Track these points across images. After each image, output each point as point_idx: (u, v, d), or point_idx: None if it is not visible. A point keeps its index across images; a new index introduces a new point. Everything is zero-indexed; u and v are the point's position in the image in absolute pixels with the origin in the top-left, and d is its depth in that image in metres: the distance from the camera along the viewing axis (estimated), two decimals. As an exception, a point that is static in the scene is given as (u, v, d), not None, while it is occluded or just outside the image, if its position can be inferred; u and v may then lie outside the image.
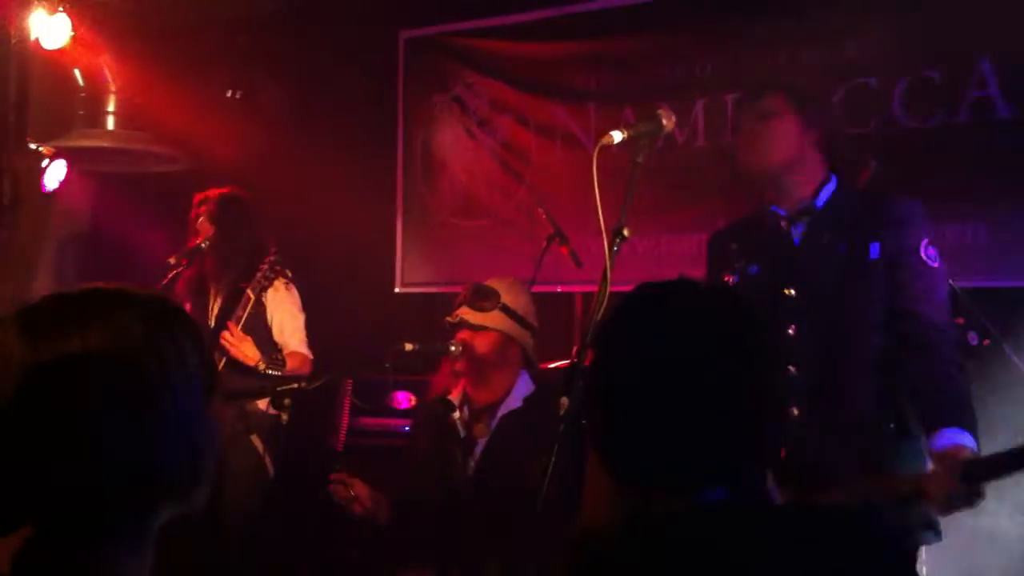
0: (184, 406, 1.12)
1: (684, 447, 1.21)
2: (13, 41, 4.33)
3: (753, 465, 1.25)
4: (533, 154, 4.65)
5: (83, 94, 4.62)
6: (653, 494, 1.24)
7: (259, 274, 3.67)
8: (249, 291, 3.66)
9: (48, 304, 1.12)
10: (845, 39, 3.97)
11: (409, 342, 2.89)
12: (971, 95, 3.75)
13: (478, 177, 4.80)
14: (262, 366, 3.63)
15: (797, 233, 2.45)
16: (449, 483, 2.88)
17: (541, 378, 2.97)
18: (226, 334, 3.63)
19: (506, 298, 2.89)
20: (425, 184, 4.96)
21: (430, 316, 4.37)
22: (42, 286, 4.46)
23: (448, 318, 2.93)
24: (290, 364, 3.75)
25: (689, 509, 1.20)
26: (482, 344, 2.86)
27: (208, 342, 3.55)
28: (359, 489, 2.91)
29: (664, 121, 2.27)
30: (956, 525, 2.55)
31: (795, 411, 2.30)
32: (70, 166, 4.34)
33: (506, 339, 2.88)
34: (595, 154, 2.14)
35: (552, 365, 3.47)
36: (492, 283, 2.94)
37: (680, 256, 3.98)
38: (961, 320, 2.86)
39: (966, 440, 2.16)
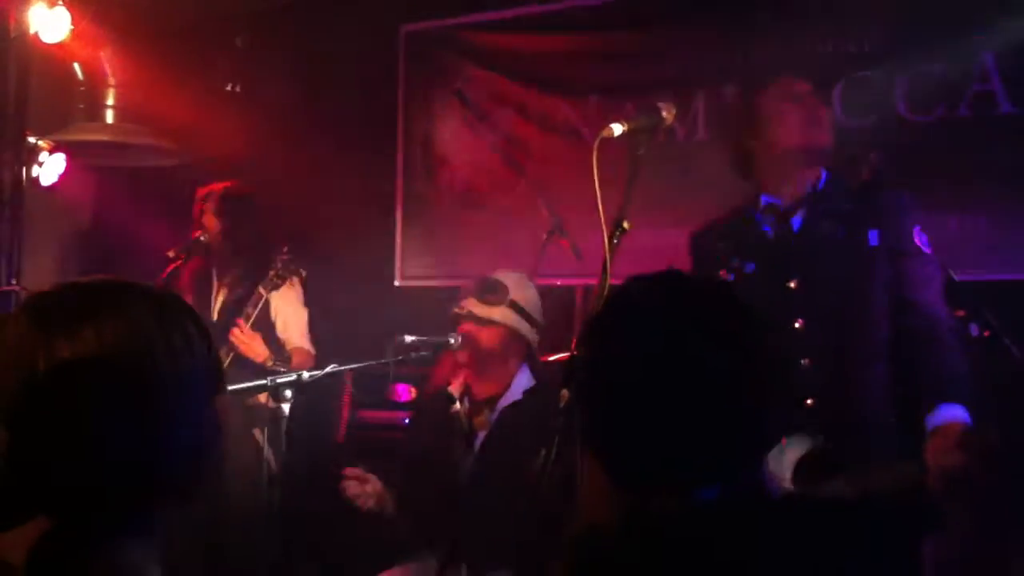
0: (191, 402, 1.12)
1: (680, 445, 1.20)
2: (13, 35, 4.33)
3: (750, 461, 1.24)
4: (534, 147, 4.65)
5: (83, 88, 4.62)
6: (649, 492, 1.23)
7: (272, 272, 3.64)
8: (261, 289, 3.65)
9: (60, 294, 1.11)
10: (847, 32, 3.96)
11: (410, 335, 2.89)
12: (973, 89, 3.74)
13: (479, 170, 4.80)
14: (270, 363, 3.62)
15: (796, 222, 2.45)
16: (449, 475, 2.88)
17: (542, 372, 2.98)
18: (236, 331, 3.62)
19: (515, 294, 2.89)
20: (426, 177, 4.96)
21: (431, 309, 4.37)
22: (43, 280, 4.46)
23: (455, 309, 2.92)
24: (295, 360, 3.75)
25: (685, 508, 1.19)
26: (487, 338, 2.86)
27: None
28: (374, 486, 2.91)
29: (664, 114, 2.27)
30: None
31: (809, 402, 2.30)
32: (70, 160, 4.33)
33: (511, 334, 2.88)
34: (595, 147, 2.14)
35: (552, 358, 3.46)
36: (501, 277, 2.94)
37: (681, 249, 3.97)
38: (962, 312, 2.86)
39: (961, 414, 2.16)
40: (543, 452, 2.09)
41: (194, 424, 1.12)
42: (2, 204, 4.41)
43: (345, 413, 4.25)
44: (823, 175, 2.48)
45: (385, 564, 3.04)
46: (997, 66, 3.69)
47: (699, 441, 1.20)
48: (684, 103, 4.13)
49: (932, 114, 3.81)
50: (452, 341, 2.87)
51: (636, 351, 1.22)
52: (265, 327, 3.76)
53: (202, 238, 3.87)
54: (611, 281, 2.06)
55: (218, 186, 3.92)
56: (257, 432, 3.71)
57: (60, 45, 4.27)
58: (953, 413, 2.17)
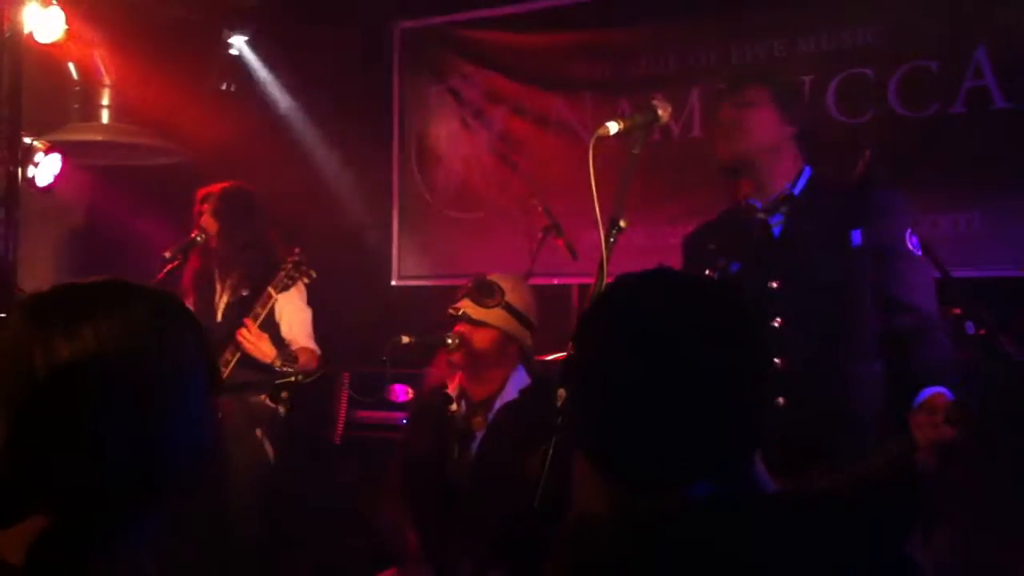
0: (187, 401, 1.12)
1: (673, 442, 1.19)
2: (7, 34, 4.31)
3: (743, 458, 1.24)
4: (529, 145, 4.65)
5: (77, 88, 4.61)
6: (642, 489, 1.23)
7: (282, 273, 3.64)
8: (271, 289, 3.64)
9: (59, 294, 1.12)
10: (842, 29, 3.96)
11: (406, 335, 2.88)
12: (967, 85, 3.75)
13: (474, 168, 4.80)
14: (278, 363, 3.62)
15: (776, 223, 2.46)
16: (446, 475, 2.88)
17: (538, 371, 2.98)
18: (244, 331, 3.60)
19: (510, 296, 2.89)
20: (421, 176, 4.96)
21: (426, 309, 4.37)
22: (39, 281, 4.45)
23: (450, 309, 2.92)
24: (301, 359, 3.74)
25: (678, 505, 1.19)
26: (481, 340, 2.86)
27: (216, 337, 3.59)
28: None
29: (660, 111, 2.26)
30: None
31: (781, 401, 2.30)
32: (65, 160, 4.32)
33: (506, 337, 2.87)
34: (591, 145, 2.14)
35: (549, 357, 3.47)
36: (497, 279, 2.93)
37: (677, 247, 3.98)
38: (958, 310, 2.87)
39: (943, 390, 2.18)
40: (541, 450, 2.10)
41: (191, 423, 1.12)
42: (-2, 204, 4.40)
43: (342, 413, 4.25)
44: (805, 172, 2.49)
45: (382, 565, 3.04)
46: (991, 62, 3.70)
47: (692, 437, 1.19)
48: (680, 101, 4.13)
49: (927, 110, 3.82)
50: (449, 341, 2.87)
51: (628, 348, 1.22)
52: (270, 327, 3.75)
53: (199, 238, 3.86)
54: (607, 280, 2.06)
55: (217, 187, 3.91)
56: (259, 431, 3.71)
57: (55, 45, 4.26)
58: (935, 390, 2.19)
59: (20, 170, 4.31)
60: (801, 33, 4.04)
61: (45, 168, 4.26)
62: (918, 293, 2.36)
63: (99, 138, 4.65)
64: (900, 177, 2.80)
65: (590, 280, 2.24)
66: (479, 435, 2.89)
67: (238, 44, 4.92)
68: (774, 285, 2.38)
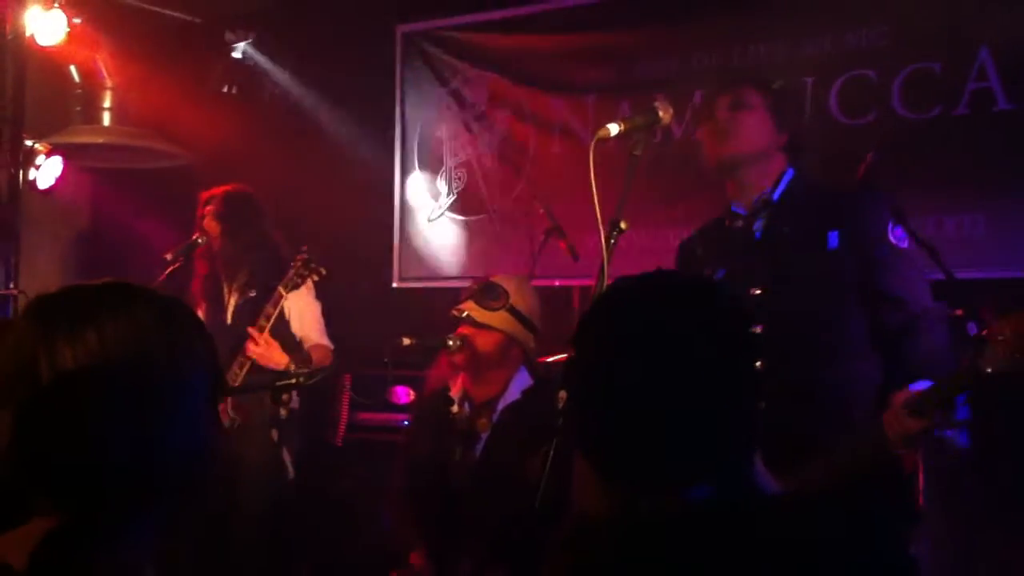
0: (191, 404, 1.12)
1: (674, 444, 1.19)
2: (9, 37, 4.32)
3: (743, 458, 1.23)
4: (531, 147, 4.64)
5: (79, 90, 4.62)
6: (641, 492, 1.22)
7: (291, 271, 3.62)
8: (281, 288, 3.63)
9: (64, 296, 1.12)
10: (845, 30, 3.96)
11: (407, 337, 2.88)
12: (971, 87, 3.74)
13: (476, 171, 4.80)
14: (292, 368, 3.61)
15: (757, 228, 2.46)
16: (449, 477, 2.87)
17: (541, 374, 2.97)
18: (251, 344, 3.58)
19: (515, 299, 2.88)
20: (423, 178, 4.96)
21: (428, 311, 4.37)
22: (41, 283, 4.46)
23: (453, 311, 2.92)
24: (315, 358, 3.74)
25: (678, 507, 1.18)
26: (485, 342, 2.85)
27: (228, 339, 3.59)
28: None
29: (661, 113, 2.26)
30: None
31: (761, 405, 2.30)
32: (67, 162, 4.33)
33: (509, 340, 2.87)
34: (592, 147, 2.14)
35: (550, 359, 3.46)
36: (501, 281, 2.92)
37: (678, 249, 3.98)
38: (960, 311, 2.86)
39: (919, 385, 2.18)
40: (542, 452, 2.09)
41: (194, 426, 1.12)
42: (1, 207, 4.41)
43: (344, 415, 4.25)
44: (787, 175, 2.48)
45: (383, 567, 3.04)
46: (995, 64, 3.68)
47: (692, 439, 1.19)
48: (681, 102, 4.12)
49: (930, 112, 3.81)
50: (451, 343, 2.86)
51: (627, 350, 1.22)
52: (280, 326, 3.75)
53: (200, 240, 3.86)
54: (608, 282, 2.05)
55: (220, 189, 3.91)
56: (275, 432, 3.71)
57: (57, 48, 4.27)
58: (920, 385, 2.18)
59: (22, 172, 4.32)
60: (804, 35, 4.03)
61: (47, 170, 4.27)
62: (905, 284, 2.35)
63: (101, 141, 4.66)
64: (903, 179, 2.80)
65: (591, 282, 2.24)
66: (483, 436, 2.89)
67: (240, 47, 4.93)
68: (756, 292, 2.38)
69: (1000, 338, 2.00)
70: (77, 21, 4.16)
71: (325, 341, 3.81)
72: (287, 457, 3.72)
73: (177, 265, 3.86)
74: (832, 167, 2.88)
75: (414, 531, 2.91)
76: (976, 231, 3.69)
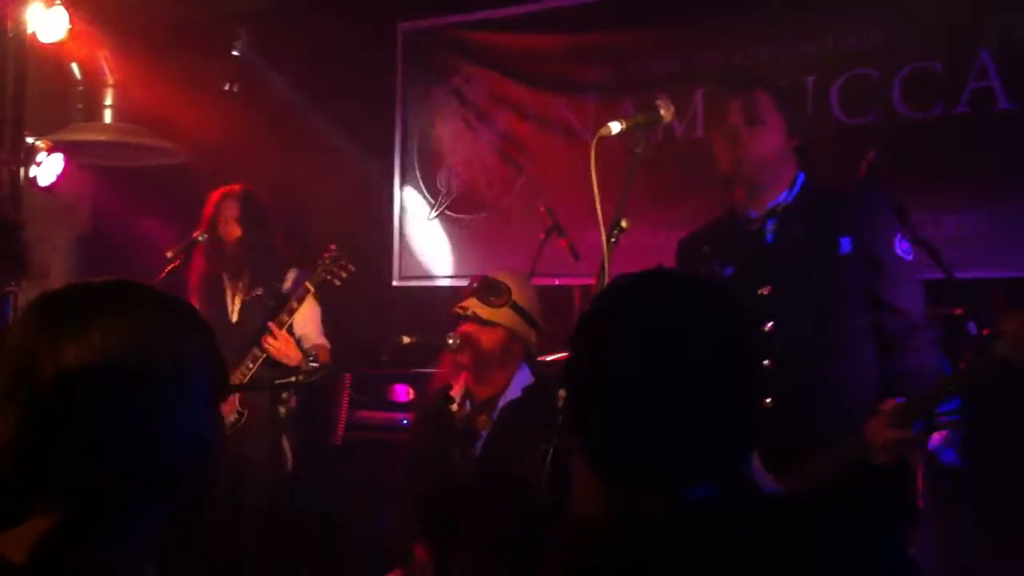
0: (193, 403, 1.12)
1: (673, 443, 1.19)
2: (10, 34, 4.32)
3: (742, 458, 1.23)
4: (532, 146, 4.64)
5: (81, 88, 4.61)
6: (641, 491, 1.22)
7: (320, 268, 3.66)
8: (308, 284, 3.66)
9: (67, 294, 1.12)
10: (845, 30, 3.96)
11: (407, 335, 2.88)
12: (971, 86, 3.74)
13: (476, 169, 4.79)
14: (304, 365, 3.64)
15: (769, 230, 2.47)
16: (449, 476, 2.88)
17: (541, 371, 2.98)
18: (270, 339, 3.62)
19: (517, 295, 2.89)
20: (423, 177, 4.95)
21: (428, 309, 4.37)
22: (41, 281, 4.46)
23: (456, 308, 2.92)
24: (319, 358, 3.78)
25: (679, 508, 1.18)
26: (488, 339, 2.86)
27: (235, 336, 3.60)
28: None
29: (662, 111, 2.26)
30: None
31: (768, 401, 2.32)
32: (68, 160, 4.32)
33: (512, 336, 2.88)
34: (593, 145, 2.14)
35: (550, 358, 3.46)
36: (503, 278, 2.93)
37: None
38: (960, 311, 2.87)
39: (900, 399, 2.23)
40: (542, 451, 2.09)
41: (196, 424, 1.12)
42: (0, 204, 4.40)
43: (343, 414, 4.25)
44: (799, 179, 2.50)
45: (383, 566, 3.04)
46: (995, 63, 3.69)
47: (691, 438, 1.19)
48: (682, 101, 4.12)
49: (931, 111, 3.81)
50: (451, 342, 2.87)
51: (626, 348, 1.21)
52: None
53: (201, 238, 3.86)
54: (609, 281, 2.05)
55: (234, 190, 3.91)
56: (285, 439, 3.74)
57: (58, 45, 4.27)
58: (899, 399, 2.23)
59: (23, 170, 4.32)
60: (805, 34, 4.03)
61: (48, 168, 4.26)
62: (907, 296, 2.39)
63: (102, 138, 4.65)
64: (904, 178, 2.79)
65: (592, 281, 2.24)
66: (484, 435, 2.89)
67: (241, 45, 4.92)
68: (764, 291, 2.39)
69: (1006, 330, 2.03)
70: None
71: (323, 341, 3.83)
72: (288, 452, 3.74)
73: (178, 263, 3.86)
74: (833, 166, 2.88)
75: (416, 527, 2.92)
76: (976, 231, 3.69)
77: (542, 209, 3.80)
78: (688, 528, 1.16)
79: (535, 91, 4.65)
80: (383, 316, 4.31)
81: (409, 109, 4.97)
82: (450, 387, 2.95)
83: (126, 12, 4.62)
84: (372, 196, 4.92)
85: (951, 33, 3.71)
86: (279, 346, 3.62)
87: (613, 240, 2.16)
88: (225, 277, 3.87)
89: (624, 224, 2.17)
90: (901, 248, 2.39)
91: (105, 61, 4.57)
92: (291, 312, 3.64)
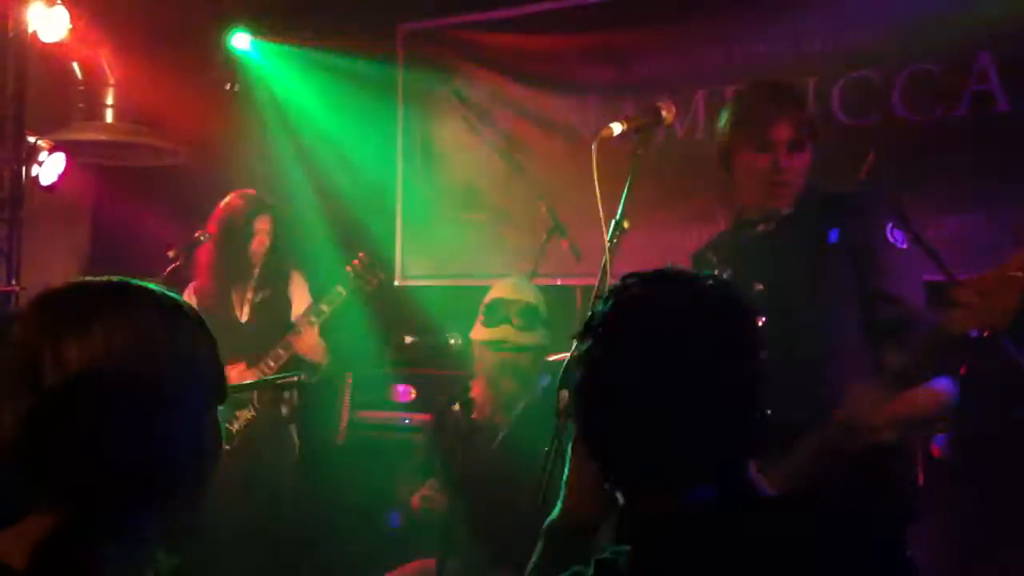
0: (193, 404, 1.12)
1: (675, 444, 1.19)
2: (11, 34, 4.32)
3: (743, 460, 1.23)
4: (534, 147, 4.65)
5: (82, 87, 4.61)
6: (642, 492, 1.22)
7: (352, 273, 3.75)
8: (339, 288, 3.74)
9: (69, 293, 1.12)
10: (846, 32, 3.96)
11: (409, 335, 2.90)
12: (971, 88, 3.75)
13: (478, 170, 4.80)
14: (325, 364, 3.75)
15: (769, 232, 2.47)
16: (449, 477, 2.89)
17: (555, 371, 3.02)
18: (301, 338, 3.67)
19: (542, 310, 2.98)
20: (425, 177, 4.96)
21: (430, 309, 4.37)
22: (43, 280, 4.46)
23: (487, 337, 2.96)
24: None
25: (678, 508, 1.18)
26: (527, 361, 2.95)
27: (242, 338, 3.62)
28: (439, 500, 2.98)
29: (664, 113, 2.27)
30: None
31: (763, 407, 2.32)
32: (69, 159, 4.32)
33: (544, 350, 2.97)
34: (595, 147, 2.14)
35: (553, 358, 3.47)
36: (524, 294, 3.00)
37: (681, 249, 3.98)
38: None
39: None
40: (545, 451, 2.10)
41: (196, 426, 1.12)
42: (1, 204, 4.40)
43: (345, 414, 4.25)
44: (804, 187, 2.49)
45: (384, 566, 3.05)
46: (995, 66, 3.70)
47: (693, 440, 1.19)
48: (684, 102, 4.13)
49: (931, 114, 3.81)
50: (452, 342, 2.89)
51: (630, 349, 1.22)
52: (281, 313, 3.82)
53: (203, 238, 3.88)
54: (610, 281, 2.06)
55: (257, 197, 3.93)
56: (293, 426, 3.78)
57: (59, 44, 4.27)
58: None
59: (24, 169, 4.32)
60: (805, 36, 4.04)
61: (49, 167, 4.26)
62: (901, 283, 2.32)
63: (103, 137, 4.65)
64: (904, 180, 2.80)
65: (594, 281, 2.24)
66: (501, 434, 2.92)
67: (241, 45, 4.93)
68: (759, 287, 2.39)
69: (964, 301, 2.00)
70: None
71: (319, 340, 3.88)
72: (296, 440, 3.79)
73: (179, 262, 3.87)
74: (834, 168, 2.89)
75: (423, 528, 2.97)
76: (977, 231, 3.70)
77: (544, 209, 3.81)
78: (688, 528, 1.17)
79: (537, 92, 4.65)
80: (385, 316, 4.31)
81: (411, 109, 4.98)
82: (470, 388, 3.01)
83: (127, 11, 4.61)
84: (374, 196, 4.92)
85: (951, 36, 3.72)
86: (312, 345, 3.69)
87: (615, 240, 2.16)
88: (232, 278, 3.89)
89: (626, 225, 2.18)
90: (893, 236, 2.34)
91: (106, 60, 4.56)
92: (320, 314, 3.71)
